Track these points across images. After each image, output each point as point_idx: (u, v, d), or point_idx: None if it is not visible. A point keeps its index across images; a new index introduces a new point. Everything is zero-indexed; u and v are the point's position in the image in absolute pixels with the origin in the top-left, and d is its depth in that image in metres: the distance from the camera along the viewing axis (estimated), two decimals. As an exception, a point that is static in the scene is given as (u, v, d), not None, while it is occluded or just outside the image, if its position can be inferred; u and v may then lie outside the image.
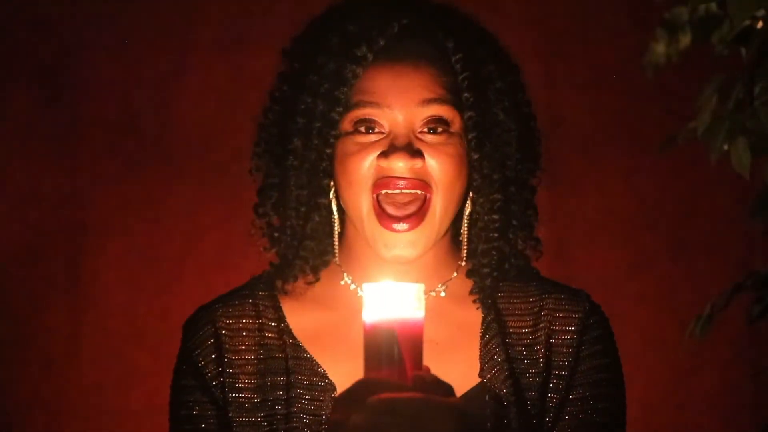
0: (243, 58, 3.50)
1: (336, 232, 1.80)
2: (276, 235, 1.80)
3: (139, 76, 3.51)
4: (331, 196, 1.78)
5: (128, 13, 3.50)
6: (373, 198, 1.72)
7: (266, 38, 3.43)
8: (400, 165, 1.71)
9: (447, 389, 1.47)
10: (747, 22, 2.14)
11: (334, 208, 1.79)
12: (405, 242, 1.73)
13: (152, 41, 3.50)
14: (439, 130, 1.73)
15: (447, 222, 1.76)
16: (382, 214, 1.72)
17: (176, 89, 3.51)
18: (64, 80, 3.49)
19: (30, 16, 3.49)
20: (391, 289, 1.47)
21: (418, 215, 1.72)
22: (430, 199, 1.72)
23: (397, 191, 1.72)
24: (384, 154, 1.71)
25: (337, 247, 1.80)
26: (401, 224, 1.72)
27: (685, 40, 2.29)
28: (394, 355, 1.45)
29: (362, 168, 1.72)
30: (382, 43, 1.74)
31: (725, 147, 2.10)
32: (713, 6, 2.22)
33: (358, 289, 1.79)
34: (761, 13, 2.13)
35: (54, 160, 3.48)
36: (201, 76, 3.51)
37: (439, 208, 1.73)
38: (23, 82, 3.49)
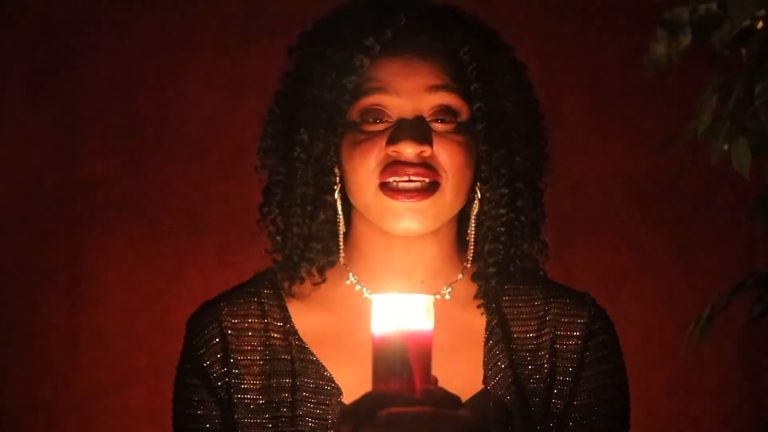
0: (243, 57, 3.49)
1: (341, 232, 1.79)
2: (279, 238, 1.79)
3: (139, 76, 3.51)
4: (336, 195, 1.77)
5: (128, 13, 3.50)
6: (379, 184, 1.70)
7: (266, 38, 3.43)
8: (408, 150, 1.69)
9: (455, 402, 1.46)
10: (747, 23, 2.14)
11: (339, 207, 1.77)
12: (413, 211, 1.70)
13: (152, 41, 3.50)
14: (447, 119, 1.72)
15: (456, 207, 1.74)
16: (390, 190, 1.70)
17: (176, 89, 3.51)
18: (64, 80, 3.49)
19: (30, 16, 3.49)
20: (400, 301, 1.46)
21: (428, 190, 1.70)
22: (439, 183, 1.70)
23: (405, 178, 1.70)
24: (392, 140, 1.69)
25: (342, 247, 1.79)
26: (410, 195, 1.69)
27: (685, 40, 2.29)
28: (402, 367, 1.44)
29: (370, 156, 1.70)
30: (389, 34, 1.73)
31: (725, 147, 2.11)
32: (713, 6, 2.22)
33: (364, 289, 1.78)
34: (761, 13, 2.13)
35: (54, 160, 3.48)
36: (201, 76, 3.51)
37: (449, 192, 1.71)
38: (24, 82, 3.49)
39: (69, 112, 3.49)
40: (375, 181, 1.71)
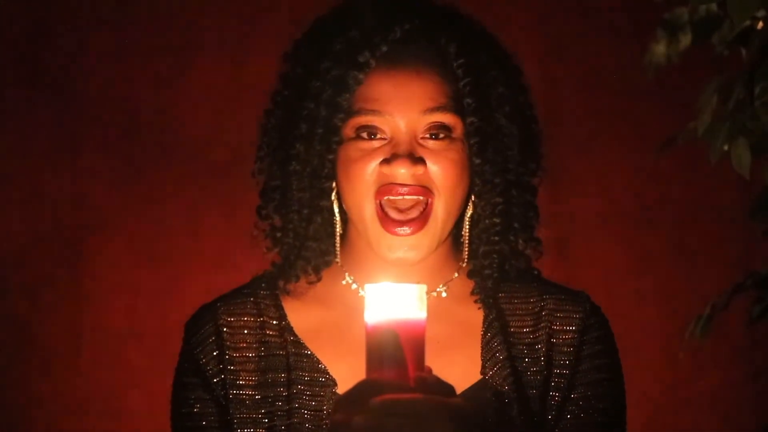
0: (243, 58, 3.50)
1: (338, 234, 1.81)
2: (278, 235, 1.81)
3: (140, 77, 3.51)
4: (332, 198, 1.79)
5: (128, 13, 3.50)
6: (375, 203, 1.74)
7: (267, 38, 3.43)
8: (402, 172, 1.71)
9: (449, 390, 1.47)
10: (747, 23, 2.14)
11: (336, 210, 1.79)
12: (408, 246, 1.74)
13: (152, 41, 3.51)
14: (441, 135, 1.74)
15: (449, 226, 1.77)
16: (386, 218, 1.73)
17: (176, 89, 3.51)
18: (65, 81, 3.49)
19: (31, 16, 3.49)
20: (393, 290, 1.48)
21: (421, 219, 1.73)
22: (432, 203, 1.73)
23: (399, 197, 1.73)
24: (386, 161, 1.72)
25: (338, 248, 1.81)
26: (404, 228, 1.73)
27: (685, 40, 2.29)
28: (396, 356, 1.45)
29: (365, 174, 1.73)
30: (384, 48, 1.74)
31: (725, 147, 2.11)
32: (713, 6, 2.22)
33: (360, 288, 1.80)
34: (761, 13, 2.13)
35: (54, 161, 3.49)
36: (201, 76, 3.51)
37: (441, 212, 1.74)
38: (24, 83, 3.49)
39: (69, 112, 3.49)
40: (371, 202, 1.74)
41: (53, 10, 3.50)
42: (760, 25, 2.15)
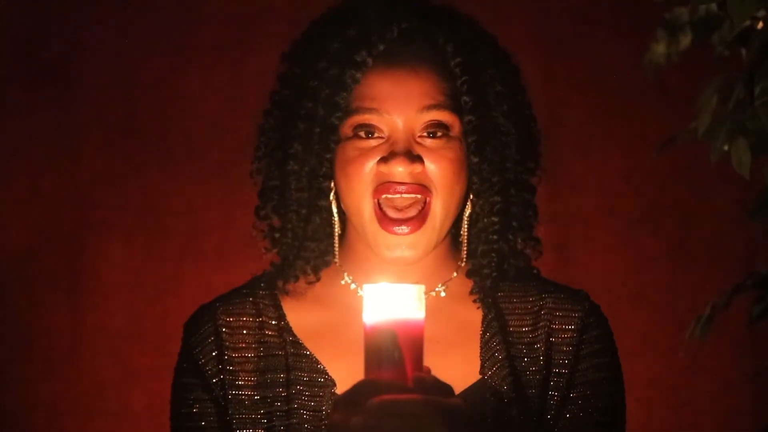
0: (243, 58, 3.50)
1: (336, 234, 1.81)
2: (277, 236, 1.81)
3: (139, 76, 3.51)
4: (331, 198, 1.79)
5: (128, 13, 3.50)
6: (374, 202, 1.74)
7: (266, 38, 3.44)
8: (399, 170, 1.72)
9: (447, 390, 1.47)
10: (747, 23, 2.14)
11: (334, 209, 1.80)
12: (406, 244, 1.74)
13: (152, 41, 3.51)
14: (439, 134, 1.74)
15: (448, 224, 1.77)
16: (384, 218, 1.73)
17: (176, 89, 3.51)
18: (64, 80, 3.49)
19: (30, 15, 3.49)
20: (392, 290, 1.48)
21: (419, 218, 1.73)
22: (430, 202, 1.74)
23: (397, 196, 1.73)
24: (384, 160, 1.72)
25: (337, 248, 1.81)
26: (402, 227, 1.73)
27: (685, 40, 2.29)
28: (394, 356, 1.45)
29: (363, 173, 1.73)
30: (381, 47, 1.74)
31: (725, 147, 2.11)
32: (713, 6, 2.22)
33: (359, 288, 1.80)
34: (761, 13, 2.13)
35: (54, 160, 3.49)
36: (201, 76, 3.51)
37: (439, 211, 1.74)
38: (23, 82, 3.49)
39: (69, 112, 3.49)
40: (369, 201, 1.74)
41: (53, 10, 3.50)
42: (760, 25, 2.15)
